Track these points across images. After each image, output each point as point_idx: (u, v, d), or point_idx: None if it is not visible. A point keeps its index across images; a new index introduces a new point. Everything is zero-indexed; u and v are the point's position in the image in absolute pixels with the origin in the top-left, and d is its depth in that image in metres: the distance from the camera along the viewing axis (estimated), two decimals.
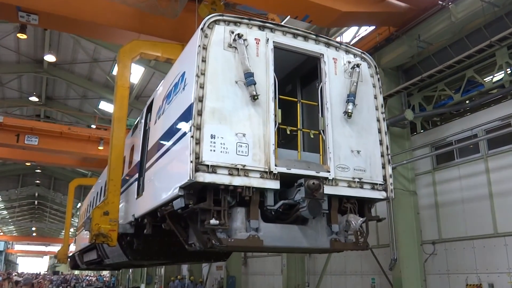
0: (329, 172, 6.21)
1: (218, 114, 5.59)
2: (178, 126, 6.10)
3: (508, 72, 12.39)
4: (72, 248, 23.87)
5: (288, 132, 6.57)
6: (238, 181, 5.48)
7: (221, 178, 5.40)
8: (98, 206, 8.88)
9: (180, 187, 5.51)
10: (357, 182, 6.45)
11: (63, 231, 54.06)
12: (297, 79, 7.80)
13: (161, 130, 7.09)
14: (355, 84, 6.73)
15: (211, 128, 5.49)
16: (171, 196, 5.87)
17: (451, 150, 13.53)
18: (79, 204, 43.73)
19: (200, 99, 5.58)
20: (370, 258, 15.71)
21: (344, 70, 6.90)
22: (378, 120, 7.04)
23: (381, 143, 6.95)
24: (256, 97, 5.78)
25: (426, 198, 14.22)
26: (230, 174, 5.45)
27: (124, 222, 8.94)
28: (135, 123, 10.35)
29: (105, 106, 30.62)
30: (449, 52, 13.34)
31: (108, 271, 53.78)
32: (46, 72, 27.68)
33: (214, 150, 5.42)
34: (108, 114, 29.80)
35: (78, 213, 45.24)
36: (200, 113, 5.50)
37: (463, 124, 13.29)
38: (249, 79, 5.80)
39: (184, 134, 5.73)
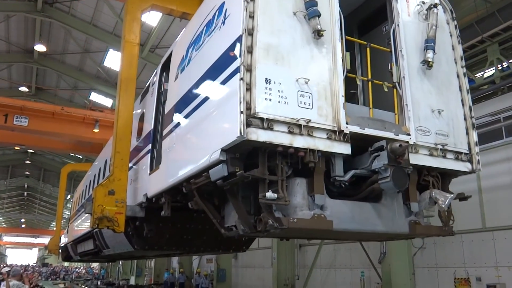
0: (409, 135, 4.99)
1: (273, 52, 4.41)
2: (218, 70, 4.86)
3: (499, 68, 12.49)
4: (63, 240, 23.46)
5: (358, 83, 5.46)
6: (300, 141, 4.27)
7: (279, 137, 4.18)
8: (102, 183, 7.47)
9: (222, 150, 4.34)
10: (440, 149, 5.24)
11: (53, 223, 53.79)
12: (355, 25, 6.50)
13: (188, 83, 5.83)
14: (434, 28, 5.51)
15: (265, 70, 4.30)
16: (207, 163, 4.65)
17: None
18: (69, 196, 43.43)
19: (250, 32, 4.37)
20: (360, 252, 15.84)
21: (418, 12, 5.71)
22: (458, 76, 5.86)
23: (463, 103, 5.73)
24: (321, 32, 4.61)
25: None
26: (290, 132, 4.24)
27: (133, 203, 7.70)
28: (145, 87, 8.98)
29: (96, 98, 30.38)
30: None
31: (97, 263, 53.63)
32: (37, 62, 27.33)
33: (270, 99, 4.21)
34: (99, 106, 29.56)
35: (68, 205, 44.97)
36: (250, 50, 4.31)
37: None
38: (311, 9, 4.62)
39: (229, 78, 4.53)
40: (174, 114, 6.22)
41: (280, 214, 4.37)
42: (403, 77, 5.23)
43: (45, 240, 62.83)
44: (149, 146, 7.48)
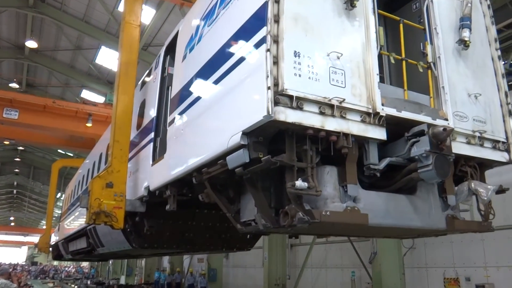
0: (447, 120, 4.54)
1: (302, 23, 3.92)
2: (239, 43, 4.34)
3: None
4: (54, 238, 23.02)
5: (392, 61, 5.01)
6: (332, 124, 3.80)
7: (310, 118, 3.71)
8: (99, 175, 6.88)
9: (244, 133, 3.84)
10: (477, 137, 4.80)
11: (43, 221, 53.37)
12: (381, 2, 5.83)
13: (199, 62, 5.31)
14: (469, 5, 5.07)
15: (294, 41, 3.81)
16: (224, 149, 4.15)
17: None
18: (59, 194, 43.09)
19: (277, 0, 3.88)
20: (350, 252, 15.88)
21: None
22: (492, 59, 5.43)
23: (498, 88, 5.32)
24: (354, 2, 4.16)
25: None
26: (321, 113, 3.76)
27: (133, 197, 7.15)
28: (145, 74, 8.50)
29: (88, 95, 30.16)
30: None
31: (87, 263, 53.27)
32: (28, 58, 27.13)
33: (299, 75, 3.74)
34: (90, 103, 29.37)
35: (58, 203, 44.62)
36: (277, 20, 3.82)
37: None
38: None
39: (253, 51, 4.07)
40: (182, 97, 5.71)
41: (308, 207, 3.85)
42: (439, 57, 4.81)
43: (34, 239, 62.24)
44: (152, 135, 6.99)
